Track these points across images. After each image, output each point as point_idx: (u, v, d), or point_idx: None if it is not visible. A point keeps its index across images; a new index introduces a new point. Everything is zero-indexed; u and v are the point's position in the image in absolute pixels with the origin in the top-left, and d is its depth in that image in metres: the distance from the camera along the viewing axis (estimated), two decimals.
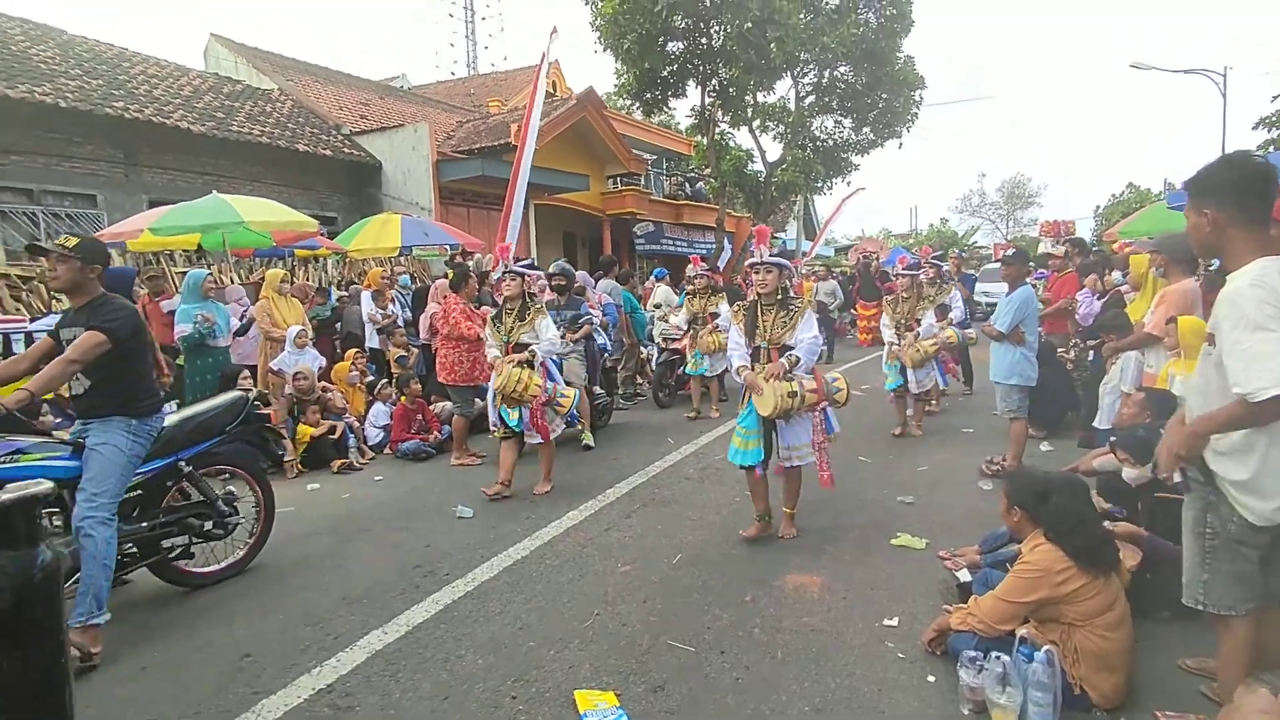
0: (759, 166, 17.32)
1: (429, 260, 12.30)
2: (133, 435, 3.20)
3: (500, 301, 5.22)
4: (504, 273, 5.12)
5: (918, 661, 2.78)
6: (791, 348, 3.86)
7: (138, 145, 10.55)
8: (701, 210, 20.96)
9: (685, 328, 7.88)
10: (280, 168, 12.38)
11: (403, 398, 6.75)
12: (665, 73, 15.42)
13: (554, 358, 5.22)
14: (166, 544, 3.57)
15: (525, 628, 3.13)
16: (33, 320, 6.51)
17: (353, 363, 7.13)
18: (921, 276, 6.81)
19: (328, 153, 12.94)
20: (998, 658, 2.43)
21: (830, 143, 17.60)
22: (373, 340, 7.84)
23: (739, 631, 3.05)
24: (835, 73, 16.41)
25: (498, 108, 18.10)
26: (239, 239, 7.79)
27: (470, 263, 9.38)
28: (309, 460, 6.04)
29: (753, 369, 3.95)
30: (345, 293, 9.04)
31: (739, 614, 3.21)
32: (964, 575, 3.32)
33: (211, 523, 3.72)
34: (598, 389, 7.22)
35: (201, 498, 3.74)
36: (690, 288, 7.87)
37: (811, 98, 16.87)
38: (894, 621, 3.08)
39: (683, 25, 14.76)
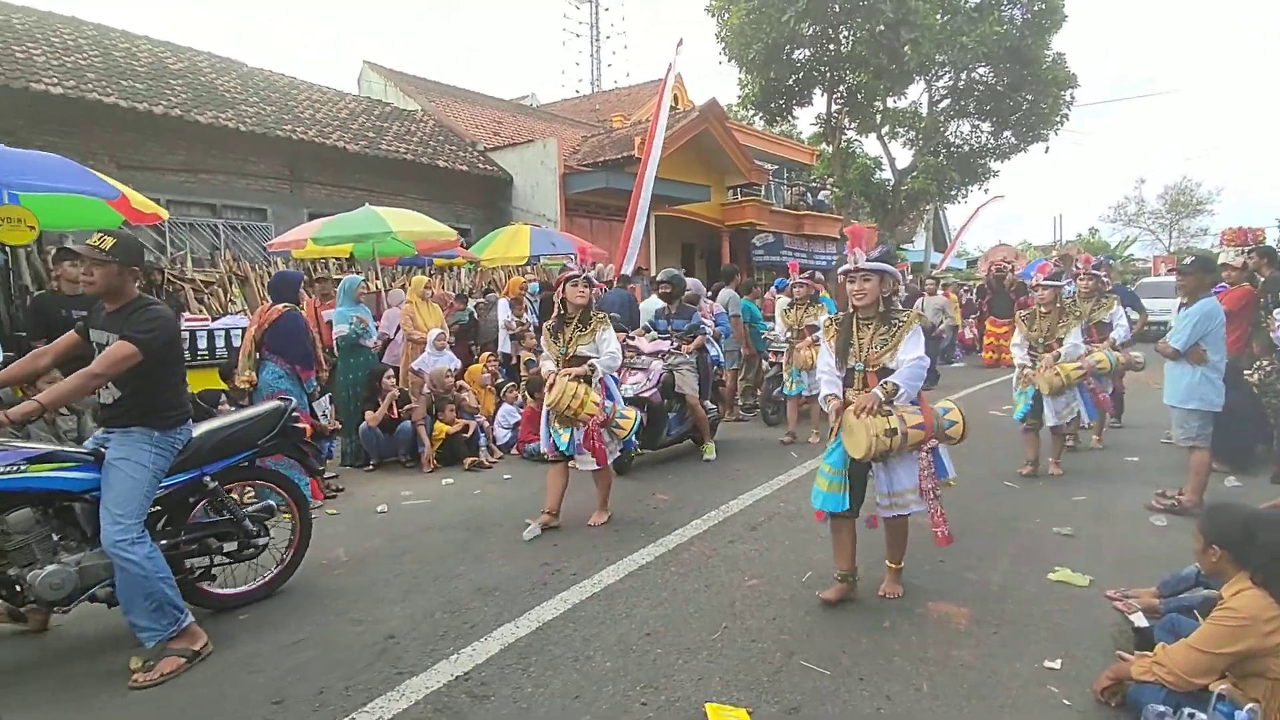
0: (887, 174, 16.68)
1: (553, 269, 12.71)
2: (155, 448, 2.95)
3: (563, 310, 4.60)
4: (568, 278, 4.48)
5: (1088, 711, 2.50)
6: (892, 370, 3.20)
7: (302, 163, 11.63)
8: (824, 220, 20.42)
9: (785, 340, 7.32)
10: (422, 182, 13.25)
11: (529, 400, 6.98)
12: (790, 81, 15.21)
13: (613, 374, 4.67)
14: (189, 563, 3.30)
15: (652, 634, 3.10)
16: (214, 320, 7.27)
17: (485, 365, 7.46)
18: (1068, 287, 6.01)
19: (464, 168, 13.71)
20: (1191, 715, 2.14)
21: (966, 148, 16.69)
22: (505, 345, 8.16)
23: (878, 659, 2.87)
24: (974, 74, 15.55)
25: (621, 122, 18.52)
26: (386, 248, 8.37)
27: (592, 272, 9.62)
28: (444, 456, 6.36)
29: (844, 397, 3.31)
30: (483, 299, 9.49)
31: (877, 640, 3.02)
32: (1139, 619, 2.95)
33: (236, 543, 3.41)
34: (707, 403, 6.79)
35: (228, 515, 3.42)
36: (788, 298, 7.33)
37: (946, 101, 16.07)
38: (1056, 664, 2.79)
39: (810, 32, 14.50)
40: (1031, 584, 3.56)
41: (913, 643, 2.99)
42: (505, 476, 6.04)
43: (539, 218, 13.78)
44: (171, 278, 8.83)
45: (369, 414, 6.30)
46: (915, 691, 2.63)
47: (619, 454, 4.75)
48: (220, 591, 3.49)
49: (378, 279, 9.31)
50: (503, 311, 8.23)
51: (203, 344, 6.73)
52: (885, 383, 3.15)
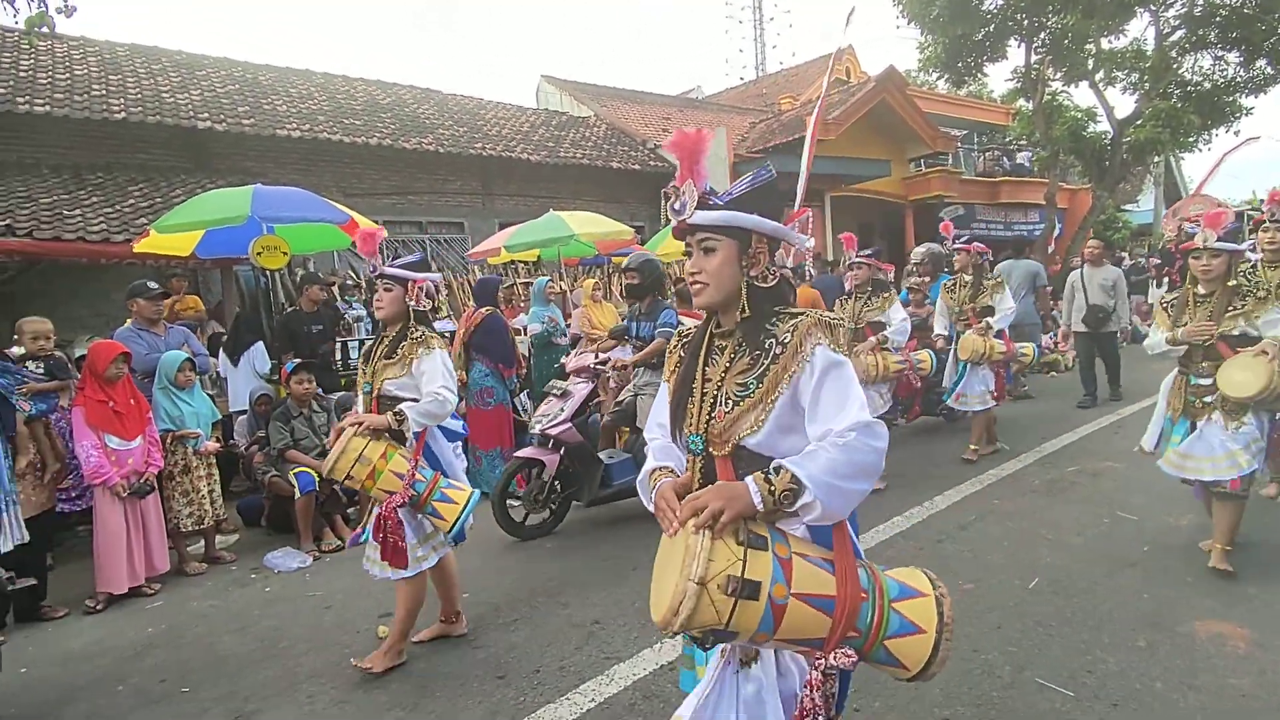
0: (1103, 126, 14.59)
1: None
2: None
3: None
4: (376, 276, 2.98)
5: None
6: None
7: (492, 177, 12.57)
8: (1025, 186, 18.36)
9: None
10: (598, 185, 13.76)
11: None
12: (980, 35, 13.79)
13: (448, 424, 3.04)
14: None
15: None
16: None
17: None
18: (1250, 254, 4.52)
19: (636, 167, 14.04)
20: None
21: (1207, 85, 14.13)
22: None
23: (1134, 683, 2.50)
24: None
25: (790, 104, 17.95)
26: (570, 250, 8.78)
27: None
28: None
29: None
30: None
31: (1129, 660, 2.63)
32: None
33: None
34: None
35: None
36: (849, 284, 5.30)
37: (1180, 33, 13.70)
38: None
39: None
40: None
41: (1177, 667, 2.57)
42: None
43: None
44: None
45: None
46: None
47: (437, 559, 2.97)
48: None
49: (562, 280, 9.82)
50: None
51: None
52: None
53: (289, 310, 6.66)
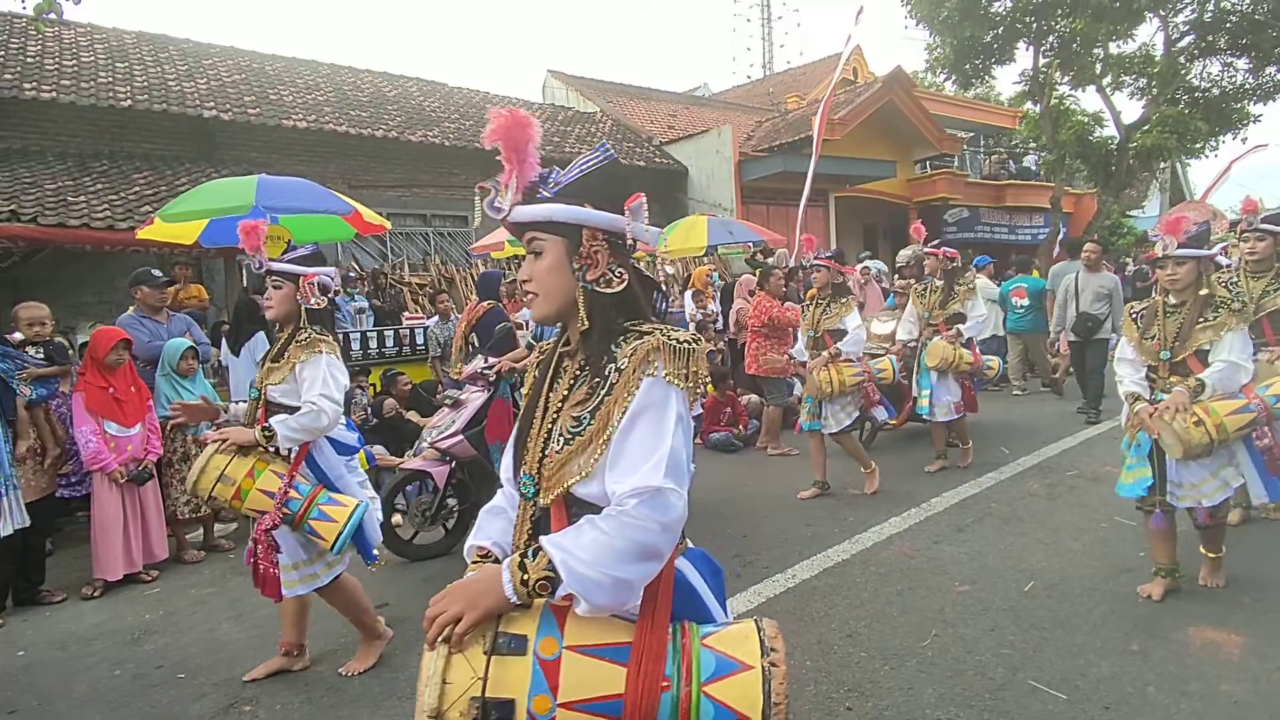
0: (1109, 131, 14.57)
1: (730, 258, 12.63)
2: None
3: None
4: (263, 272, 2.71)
5: None
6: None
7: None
8: (1030, 190, 18.32)
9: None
10: None
11: (710, 390, 6.99)
12: (989, 38, 13.76)
13: (340, 436, 2.84)
14: None
15: (854, 636, 2.96)
16: (429, 318, 8.08)
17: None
18: (1222, 259, 4.29)
19: (641, 163, 14.02)
20: None
21: (1215, 91, 14.10)
22: None
23: (1125, 686, 2.50)
24: (1223, 4, 13.07)
25: (796, 103, 17.91)
26: None
27: (771, 259, 9.46)
28: None
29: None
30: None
31: (1122, 665, 2.64)
32: None
33: None
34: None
35: None
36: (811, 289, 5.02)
37: (1188, 39, 13.67)
38: None
39: None
40: None
41: (1170, 672, 2.57)
42: (690, 466, 6.08)
43: (715, 207, 13.74)
44: (393, 281, 9.98)
45: None
46: None
47: (310, 589, 2.75)
48: None
49: None
50: (688, 304, 8.32)
51: (420, 339, 7.50)
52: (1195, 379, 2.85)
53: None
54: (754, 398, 7.10)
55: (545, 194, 1.25)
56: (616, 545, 1.08)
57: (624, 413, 1.16)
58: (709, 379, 6.65)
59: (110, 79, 9.38)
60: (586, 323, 1.25)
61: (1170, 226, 2.94)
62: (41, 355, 4.14)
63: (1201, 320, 2.93)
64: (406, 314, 8.80)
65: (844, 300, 4.77)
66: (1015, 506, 4.45)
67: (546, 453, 1.24)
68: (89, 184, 7.83)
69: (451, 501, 4.26)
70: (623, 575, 1.08)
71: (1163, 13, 13.35)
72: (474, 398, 4.27)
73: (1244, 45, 13.43)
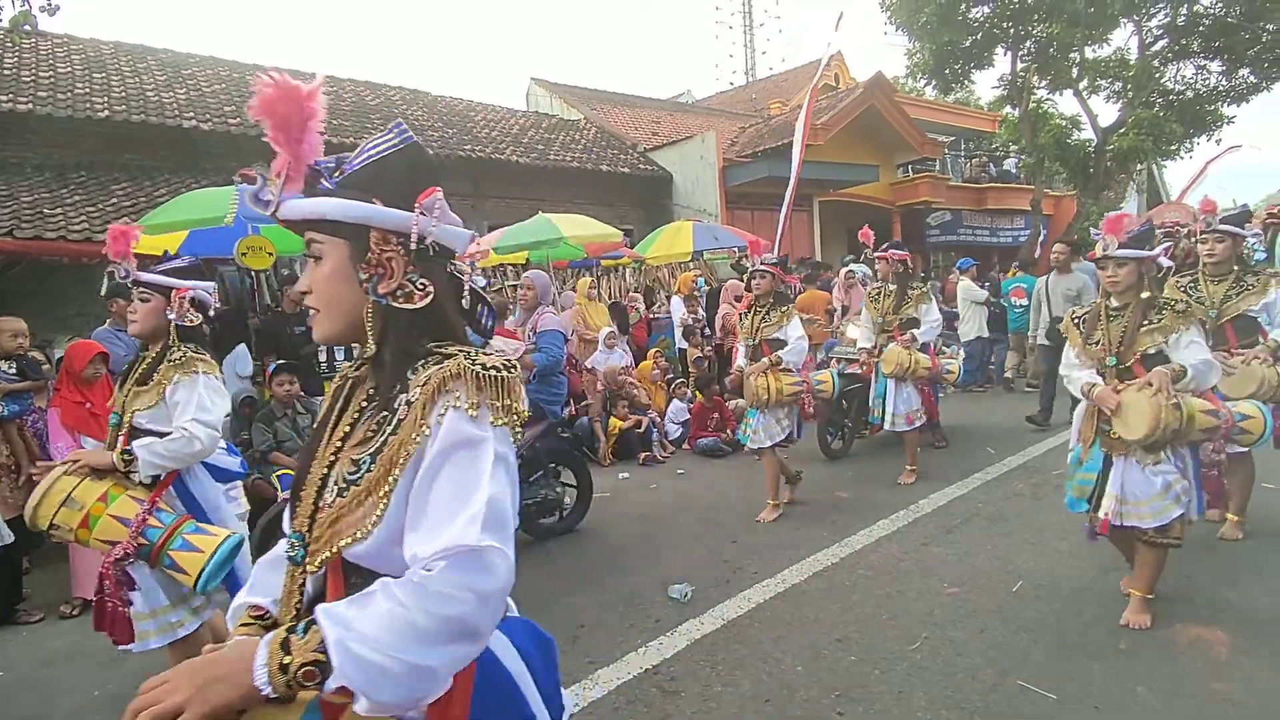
0: (1087, 134, 14.75)
1: (716, 264, 12.66)
2: None
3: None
4: (130, 282, 2.44)
5: None
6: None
7: (481, 179, 12.53)
8: (1010, 192, 18.53)
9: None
10: (587, 188, 13.76)
11: (698, 395, 6.99)
12: (967, 43, 13.92)
13: (220, 461, 2.55)
14: None
15: (844, 640, 2.95)
16: None
17: (655, 361, 7.57)
18: (1166, 261, 3.79)
19: (626, 170, 14.06)
20: None
21: (1189, 94, 14.33)
22: (683, 342, 8.25)
23: (1115, 687, 2.51)
24: (1196, 6, 13.29)
25: (779, 109, 18.02)
26: (559, 253, 8.76)
27: (747, 263, 9.52)
28: (618, 451, 6.55)
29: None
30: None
31: (1112, 665, 2.65)
32: None
33: None
34: None
35: None
36: (750, 293, 4.71)
37: (1162, 42, 13.89)
38: None
39: None
40: None
41: (1159, 672, 2.58)
42: (679, 471, 6.08)
43: (700, 213, 13.77)
44: None
45: None
46: None
47: (199, 619, 2.45)
48: None
49: (553, 282, 9.78)
50: (676, 309, 8.32)
51: None
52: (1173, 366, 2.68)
53: (271, 311, 6.60)
54: (741, 402, 7.09)
55: (326, 185, 1.04)
56: (417, 621, 0.83)
57: (410, 458, 0.93)
58: (697, 384, 6.63)
59: (88, 90, 9.27)
60: (374, 345, 1.04)
61: (1111, 226, 2.84)
62: (14, 370, 4.07)
63: (1145, 323, 2.80)
64: (515, 314, 8.71)
65: (784, 309, 4.55)
66: (1001, 507, 4.47)
67: (319, 505, 1.00)
68: (66, 196, 7.72)
69: None
70: (423, 661, 0.83)
71: (1137, 17, 13.56)
72: None
73: (1216, 48, 13.65)
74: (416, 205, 1.02)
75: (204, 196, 5.96)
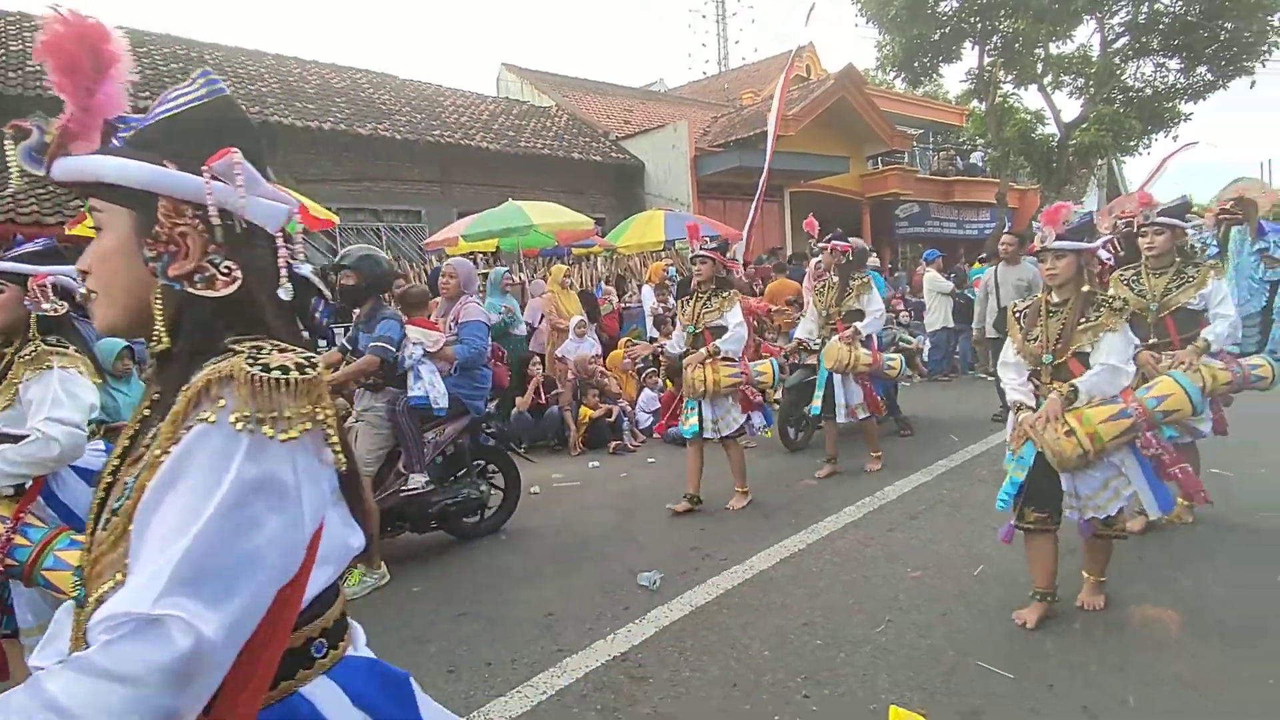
0: (1051, 129, 15.06)
1: (687, 253, 12.67)
2: None
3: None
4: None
5: None
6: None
7: (450, 165, 12.36)
8: (977, 185, 18.85)
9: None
10: (559, 175, 13.65)
11: (669, 384, 7.00)
12: (936, 36, 14.09)
13: (92, 464, 2.25)
14: None
15: (810, 624, 2.99)
16: None
17: (625, 350, 7.56)
18: (1104, 254, 3.59)
19: (598, 158, 13.98)
20: None
21: (1149, 91, 14.69)
22: (654, 331, 8.24)
23: (1069, 665, 2.58)
24: (1157, 5, 13.62)
25: (751, 99, 18.04)
26: (529, 240, 8.69)
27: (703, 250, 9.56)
28: (589, 440, 6.54)
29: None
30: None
31: (1068, 644, 2.72)
32: None
33: None
34: None
35: None
36: (694, 279, 4.61)
37: (1123, 40, 14.21)
38: None
39: None
40: (1259, 587, 3.07)
41: (1111, 650, 2.66)
42: (650, 460, 6.10)
43: (672, 202, 13.77)
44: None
45: (518, 399, 6.59)
46: (1120, 705, 2.33)
47: None
48: None
49: (521, 271, 9.70)
50: (648, 298, 8.31)
51: None
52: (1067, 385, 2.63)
53: None
54: None
55: (118, 144, 0.86)
56: (86, 696, 0.66)
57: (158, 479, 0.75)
58: (668, 374, 6.60)
59: (38, 68, 8.91)
60: (164, 338, 0.86)
61: (1050, 217, 2.76)
62: None
63: (1083, 320, 2.71)
64: (439, 304, 8.58)
65: (726, 295, 4.41)
66: (965, 494, 4.56)
67: (96, 537, 0.83)
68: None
69: None
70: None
71: (1099, 14, 13.86)
72: None
73: (1175, 46, 14.02)
74: (205, 169, 0.84)
75: None
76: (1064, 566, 3.38)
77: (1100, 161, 18.07)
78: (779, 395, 5.99)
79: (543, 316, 7.56)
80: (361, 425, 3.81)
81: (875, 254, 12.19)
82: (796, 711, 2.41)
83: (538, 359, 6.97)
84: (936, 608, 3.07)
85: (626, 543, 4.10)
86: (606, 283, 10.68)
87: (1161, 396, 2.85)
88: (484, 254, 10.38)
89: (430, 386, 3.80)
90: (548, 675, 2.71)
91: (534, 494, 5.27)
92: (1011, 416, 2.90)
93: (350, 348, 3.98)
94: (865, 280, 5.03)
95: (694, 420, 4.48)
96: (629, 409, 6.91)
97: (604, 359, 7.47)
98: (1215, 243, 5.78)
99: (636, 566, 3.67)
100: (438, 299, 4.81)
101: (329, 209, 7.48)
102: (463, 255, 9.97)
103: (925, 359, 9.37)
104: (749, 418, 4.54)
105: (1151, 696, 2.37)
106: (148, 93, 9.19)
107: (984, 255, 10.65)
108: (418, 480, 3.82)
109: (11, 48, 9.11)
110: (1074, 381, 2.65)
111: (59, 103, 0.85)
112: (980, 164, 19.06)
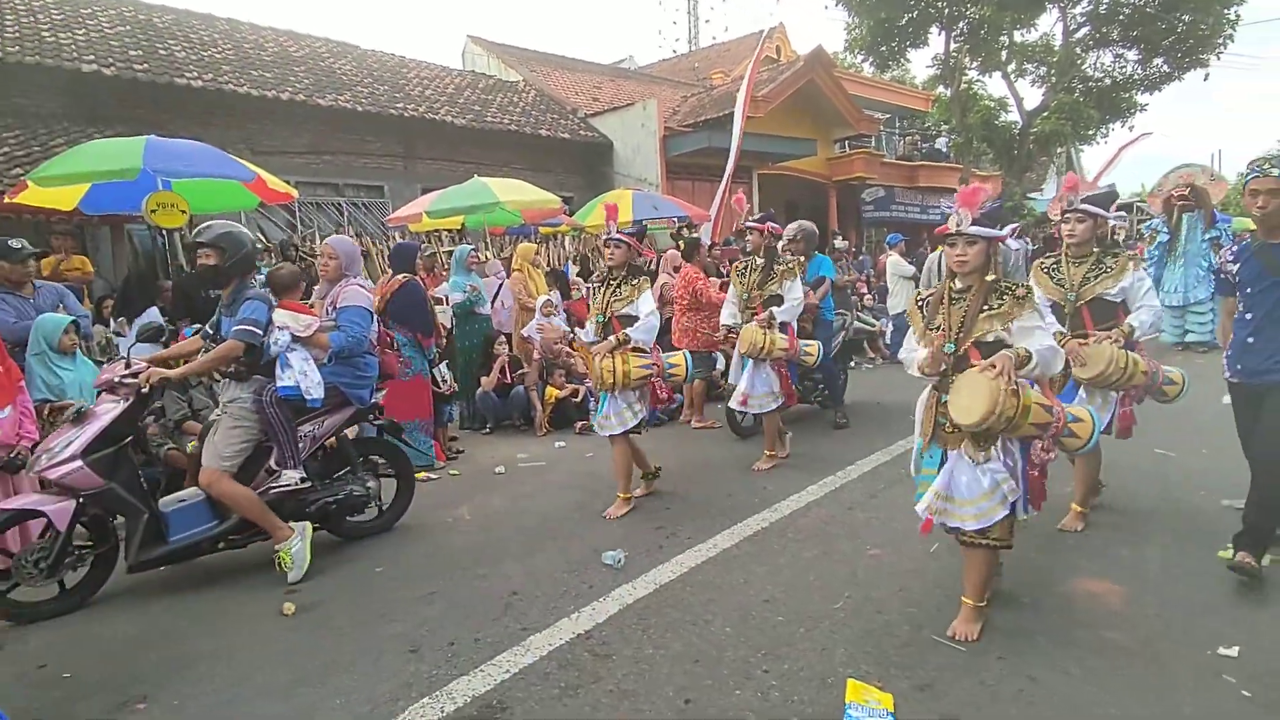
0: (1013, 116, 15.33)
1: (655, 234, 12.63)
2: None
3: None
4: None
5: (1274, 704, 2.22)
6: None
7: (414, 140, 12.07)
8: (941, 171, 19.10)
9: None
10: (526, 152, 13.45)
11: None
12: (904, 21, 14.17)
13: None
14: None
15: (771, 601, 3.04)
16: None
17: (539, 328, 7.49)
18: (1013, 243, 3.83)
19: (565, 135, 13.79)
20: None
21: (1107, 81, 15.02)
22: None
23: (1018, 637, 2.68)
24: None
25: (721, 79, 17.96)
26: (495, 218, 8.56)
27: (697, 234, 9.54)
28: (555, 420, 6.52)
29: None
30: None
31: (1016, 617, 2.82)
32: None
33: None
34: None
35: None
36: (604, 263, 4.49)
37: (1084, 30, 14.47)
38: (1232, 651, 2.50)
39: None
40: (1197, 563, 3.20)
41: (1056, 622, 2.77)
42: None
43: (640, 182, 13.69)
44: (304, 254, 9.47)
45: (484, 379, 6.53)
46: (1064, 675, 2.43)
47: None
48: None
49: (487, 249, 9.57)
50: (506, 293, 8.20)
51: None
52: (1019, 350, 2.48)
53: (184, 274, 6.23)
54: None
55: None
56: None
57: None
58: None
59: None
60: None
61: (966, 198, 2.58)
62: None
63: (985, 308, 2.58)
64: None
65: (636, 282, 4.16)
66: None
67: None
68: None
69: (79, 545, 3.35)
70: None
71: (1062, 3, 14.08)
72: (105, 410, 3.34)
73: (1134, 37, 14.35)
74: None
75: (107, 147, 5.55)
76: (1016, 543, 3.50)
77: (1060, 149, 18.48)
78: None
79: (496, 294, 7.45)
80: (223, 418, 3.51)
81: (842, 237, 12.31)
82: (757, 686, 2.45)
83: (503, 338, 6.89)
84: (893, 583, 3.15)
85: (592, 522, 4.11)
86: (574, 262, 10.61)
87: (1076, 418, 2.80)
88: (449, 231, 10.22)
89: (301, 376, 3.46)
90: (511, 654, 2.72)
91: (499, 474, 5.24)
92: (923, 395, 2.78)
93: (212, 333, 3.61)
94: (791, 266, 4.85)
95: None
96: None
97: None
98: (1166, 229, 5.95)
99: (601, 546, 3.69)
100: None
101: (287, 182, 7.26)
102: (426, 232, 9.83)
103: (888, 342, 9.52)
104: (652, 413, 4.26)
105: (1095, 665, 2.48)
106: (92, 56, 8.79)
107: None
108: (291, 477, 3.50)
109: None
110: (1026, 347, 2.49)
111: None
112: (945, 149, 19.31)
